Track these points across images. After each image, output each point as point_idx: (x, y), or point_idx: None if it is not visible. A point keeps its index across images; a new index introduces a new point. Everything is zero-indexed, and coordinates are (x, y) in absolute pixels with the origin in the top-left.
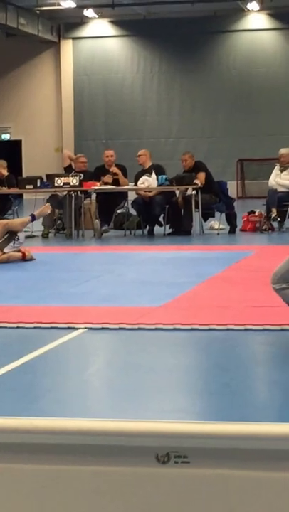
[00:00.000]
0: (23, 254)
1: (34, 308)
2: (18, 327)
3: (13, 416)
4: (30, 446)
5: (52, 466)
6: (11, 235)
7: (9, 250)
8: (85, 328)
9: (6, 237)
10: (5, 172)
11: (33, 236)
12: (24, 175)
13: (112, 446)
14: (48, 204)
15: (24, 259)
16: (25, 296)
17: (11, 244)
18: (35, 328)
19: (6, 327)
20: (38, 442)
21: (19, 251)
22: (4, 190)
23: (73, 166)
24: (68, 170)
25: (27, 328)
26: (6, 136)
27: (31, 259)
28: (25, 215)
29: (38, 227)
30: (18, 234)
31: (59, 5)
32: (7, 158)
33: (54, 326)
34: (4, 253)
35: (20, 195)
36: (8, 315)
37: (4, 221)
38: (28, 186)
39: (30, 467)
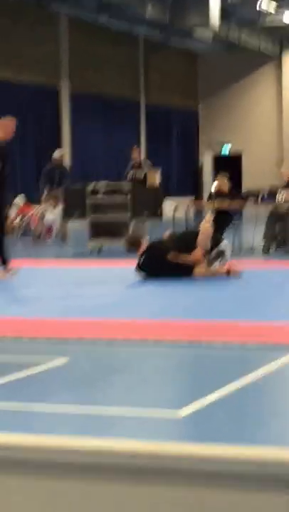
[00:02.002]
0: (228, 270)
1: (257, 326)
2: (241, 345)
3: (238, 443)
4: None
5: (197, 492)
6: (220, 252)
7: (215, 265)
8: None
9: (216, 252)
10: (226, 187)
11: (254, 251)
12: (244, 189)
13: None
14: None
15: (228, 275)
16: (247, 314)
17: (218, 260)
18: (258, 347)
19: (229, 345)
20: (186, 467)
21: (225, 267)
22: (226, 204)
23: None
24: None
25: (250, 346)
26: (226, 150)
27: (238, 275)
28: (244, 229)
29: (258, 241)
30: (226, 251)
31: (281, 19)
32: (227, 171)
33: (278, 345)
34: (210, 267)
35: (241, 209)
36: (231, 333)
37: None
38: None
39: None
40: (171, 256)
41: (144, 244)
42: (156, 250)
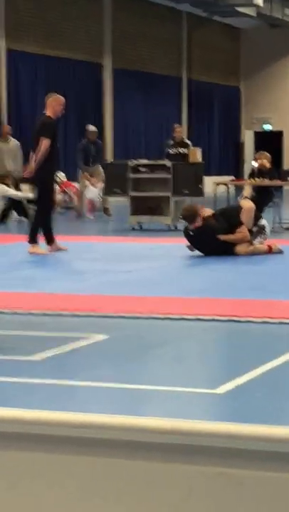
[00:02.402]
0: (269, 247)
1: None
2: (280, 323)
3: (276, 421)
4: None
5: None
6: (260, 228)
7: (256, 243)
8: None
9: (256, 229)
10: (268, 165)
11: None
12: (285, 166)
13: None
14: None
15: (270, 252)
16: (286, 291)
17: (258, 237)
18: None
19: (268, 322)
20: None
21: (266, 244)
22: (266, 182)
23: None
24: None
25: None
26: (267, 127)
27: (279, 253)
28: (286, 207)
29: None
30: (266, 227)
31: None
32: (268, 149)
33: None
34: (252, 245)
35: (281, 187)
36: (270, 310)
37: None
38: None
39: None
40: (221, 236)
41: (200, 219)
42: (209, 229)
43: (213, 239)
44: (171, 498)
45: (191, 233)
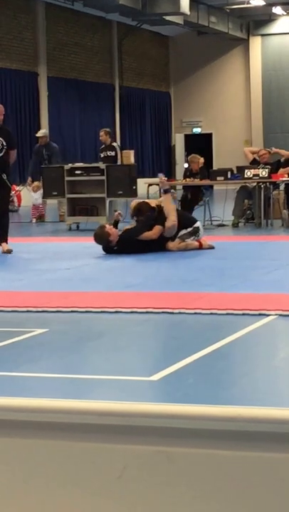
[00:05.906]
0: (200, 243)
1: (226, 295)
2: (211, 313)
3: (208, 403)
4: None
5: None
6: (194, 230)
7: (188, 241)
8: (276, 314)
9: (189, 231)
10: (197, 166)
11: (224, 225)
12: (214, 167)
13: None
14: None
15: (201, 248)
16: (217, 284)
17: (192, 238)
18: (227, 314)
19: (200, 313)
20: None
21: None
22: (197, 181)
23: (258, 159)
24: (254, 164)
25: (219, 314)
26: (197, 130)
27: (210, 248)
28: (216, 205)
29: (228, 216)
30: (200, 230)
31: (248, 3)
32: (198, 150)
33: (245, 313)
34: (183, 241)
35: (212, 186)
36: (201, 302)
37: (160, 227)
38: (219, 178)
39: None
40: (141, 236)
41: (114, 233)
42: (127, 238)
43: (135, 245)
44: (106, 477)
45: (114, 248)
